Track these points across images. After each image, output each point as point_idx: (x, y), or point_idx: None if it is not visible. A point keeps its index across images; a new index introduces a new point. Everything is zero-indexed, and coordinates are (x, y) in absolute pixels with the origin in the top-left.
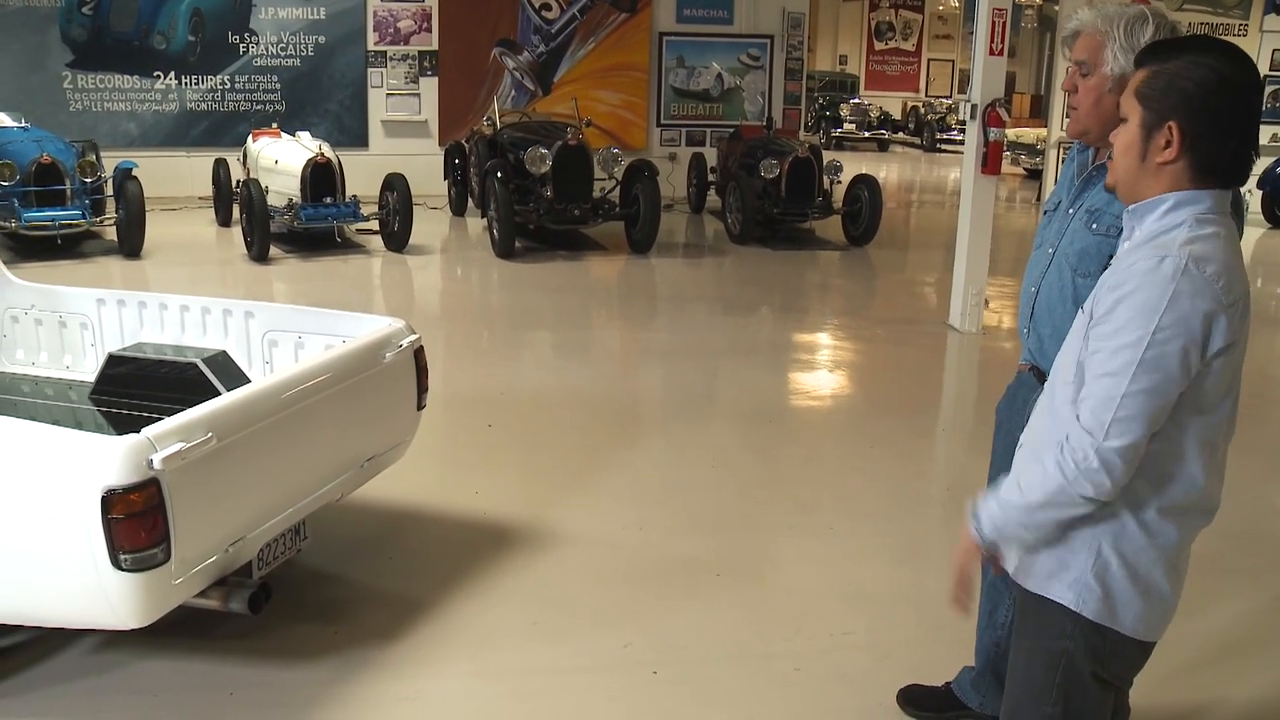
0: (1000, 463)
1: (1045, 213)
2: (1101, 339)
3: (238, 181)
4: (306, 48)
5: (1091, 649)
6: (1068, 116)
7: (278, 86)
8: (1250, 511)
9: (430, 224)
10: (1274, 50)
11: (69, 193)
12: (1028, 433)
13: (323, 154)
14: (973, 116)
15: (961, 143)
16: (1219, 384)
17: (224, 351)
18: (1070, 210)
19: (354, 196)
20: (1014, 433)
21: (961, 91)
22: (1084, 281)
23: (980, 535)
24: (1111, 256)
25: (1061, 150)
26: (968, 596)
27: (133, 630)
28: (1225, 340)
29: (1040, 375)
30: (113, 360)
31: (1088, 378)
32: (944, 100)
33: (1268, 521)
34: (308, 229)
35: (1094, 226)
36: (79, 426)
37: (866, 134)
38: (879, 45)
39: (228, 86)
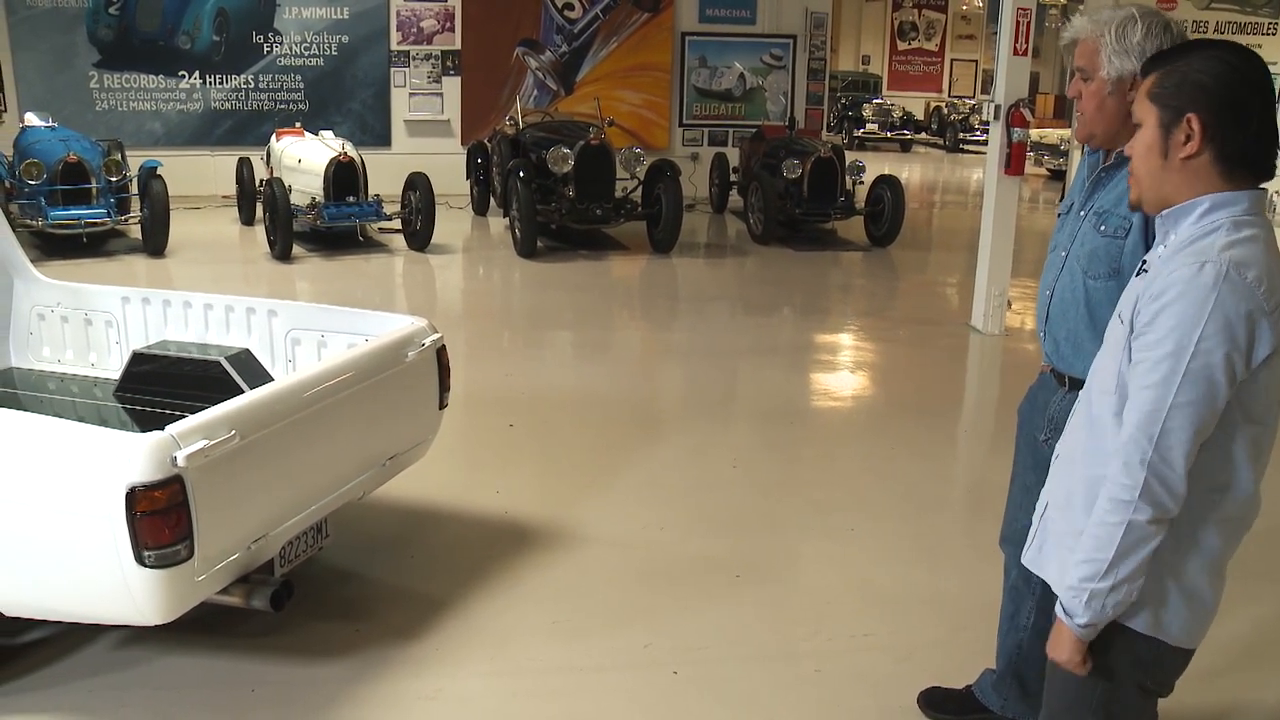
0: (1022, 461)
1: (1060, 216)
2: (1144, 349)
3: (261, 180)
4: (330, 47)
5: (1137, 659)
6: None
7: (301, 86)
8: (1277, 513)
9: (452, 223)
10: None
11: (94, 191)
12: (1063, 443)
13: (345, 153)
14: (996, 117)
15: (984, 143)
16: (1268, 389)
17: (247, 350)
18: (1081, 213)
19: (376, 196)
20: (1034, 432)
21: (985, 92)
22: (1094, 284)
23: (1082, 629)
24: (1120, 258)
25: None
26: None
27: (155, 626)
28: (1270, 345)
29: (1059, 377)
30: (137, 358)
31: (1131, 390)
32: (967, 100)
33: None
34: (330, 228)
35: (1102, 228)
36: (104, 424)
37: (889, 134)
38: (902, 45)
39: (252, 86)
